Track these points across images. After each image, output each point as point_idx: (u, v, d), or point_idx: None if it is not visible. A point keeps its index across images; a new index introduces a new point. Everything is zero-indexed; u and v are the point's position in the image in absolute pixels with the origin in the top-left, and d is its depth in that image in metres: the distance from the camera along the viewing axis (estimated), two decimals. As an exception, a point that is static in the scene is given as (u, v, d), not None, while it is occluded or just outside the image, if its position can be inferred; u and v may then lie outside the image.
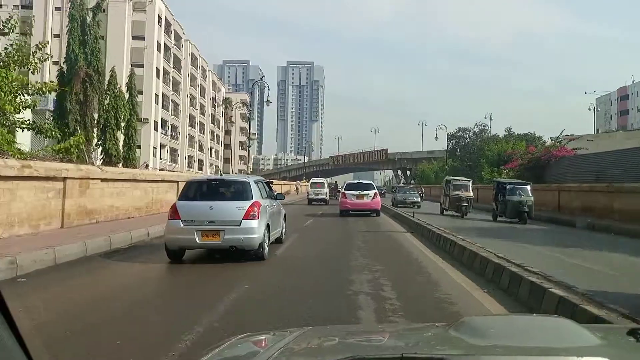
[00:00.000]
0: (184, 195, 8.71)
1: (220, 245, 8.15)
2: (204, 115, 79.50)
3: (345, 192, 20.61)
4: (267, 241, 8.71)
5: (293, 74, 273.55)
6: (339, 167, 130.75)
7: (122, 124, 37.36)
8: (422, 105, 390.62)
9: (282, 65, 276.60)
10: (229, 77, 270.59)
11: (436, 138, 49.94)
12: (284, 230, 10.95)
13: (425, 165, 67.91)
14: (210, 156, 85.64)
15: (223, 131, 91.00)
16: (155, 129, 56.37)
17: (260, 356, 1.28)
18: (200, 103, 77.26)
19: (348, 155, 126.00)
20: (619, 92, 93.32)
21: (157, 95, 56.25)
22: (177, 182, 18.44)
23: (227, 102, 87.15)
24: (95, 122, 35.53)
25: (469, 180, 23.01)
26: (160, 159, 59.45)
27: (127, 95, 38.45)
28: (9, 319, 0.96)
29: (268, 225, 8.79)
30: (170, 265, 8.16)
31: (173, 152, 65.19)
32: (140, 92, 54.19)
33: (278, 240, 10.33)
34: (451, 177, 24.22)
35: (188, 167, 71.11)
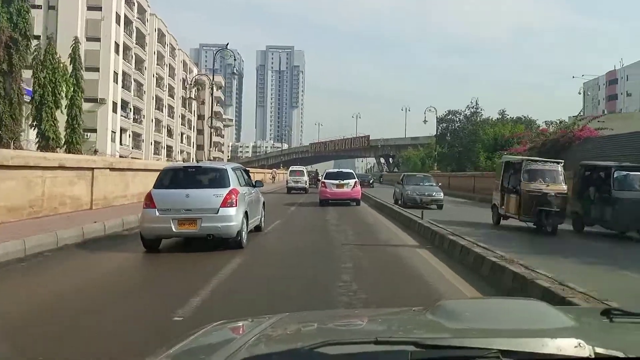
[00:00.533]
0: (160, 183, 8.35)
1: (197, 233, 7.95)
2: (173, 98, 73.52)
3: (325, 181, 19.94)
4: (245, 229, 8.51)
5: (272, 58, 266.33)
6: (319, 154, 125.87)
7: (63, 102, 31.72)
8: (406, 95, 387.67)
9: (262, 50, 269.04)
10: (205, 61, 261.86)
11: (425, 121, 45.47)
12: (262, 218, 10.67)
13: (410, 152, 63.59)
14: (182, 142, 79.79)
15: (195, 116, 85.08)
16: (114, 110, 50.50)
17: (236, 342, 1.29)
18: (168, 84, 71.23)
19: (329, 142, 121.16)
20: (608, 76, 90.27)
21: (116, 73, 50.30)
22: (93, 169, 13.35)
23: (199, 83, 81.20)
24: (30, 99, 29.89)
25: (558, 163, 12.04)
26: (121, 144, 53.67)
27: (70, 69, 32.71)
28: None
29: (246, 213, 8.56)
30: (147, 255, 7.90)
31: (137, 137, 59.31)
32: (96, 69, 48.39)
33: (257, 228, 10.11)
34: (523, 158, 13.07)
35: (154, 153, 65.35)
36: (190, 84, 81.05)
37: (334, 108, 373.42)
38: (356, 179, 20.06)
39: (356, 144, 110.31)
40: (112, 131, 49.79)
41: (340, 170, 21.39)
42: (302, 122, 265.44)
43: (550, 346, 1.03)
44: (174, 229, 7.82)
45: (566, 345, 1.02)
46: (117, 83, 50.61)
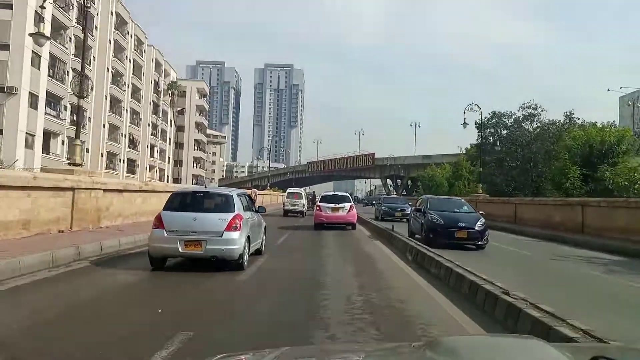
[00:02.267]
0: (169, 206, 8.58)
1: (202, 255, 8.13)
2: (138, 102, 59.28)
3: (320, 204, 18.93)
4: (247, 252, 8.71)
5: (271, 77, 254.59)
6: (317, 174, 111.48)
7: None
8: (409, 113, 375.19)
9: (260, 68, 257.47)
10: (202, 77, 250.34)
11: (464, 124, 31.01)
12: (263, 242, 10.78)
13: (433, 170, 48.76)
14: (152, 156, 65.14)
15: (173, 127, 70.68)
16: (33, 105, 36.09)
17: None
18: (132, 84, 57.09)
19: (328, 160, 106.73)
20: (652, 88, 76.22)
21: (38, 55, 36.09)
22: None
23: (174, 87, 67.10)
24: None
25: None
26: (49, 153, 39.11)
27: None
28: None
29: (249, 237, 8.78)
30: (154, 273, 8.06)
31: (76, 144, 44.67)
32: (5, 46, 34.26)
33: (258, 252, 10.19)
34: None
35: (107, 168, 50.76)
36: (166, 88, 67.15)
37: (335, 128, 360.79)
38: (352, 202, 19.19)
39: (359, 163, 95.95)
40: (26, 133, 35.26)
41: (335, 193, 20.79)
42: (300, 142, 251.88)
43: None
44: (180, 250, 8.04)
45: None
46: (38, 68, 36.35)
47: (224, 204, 8.55)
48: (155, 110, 65.61)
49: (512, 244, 15.44)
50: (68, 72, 42.03)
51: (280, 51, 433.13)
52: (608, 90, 68.23)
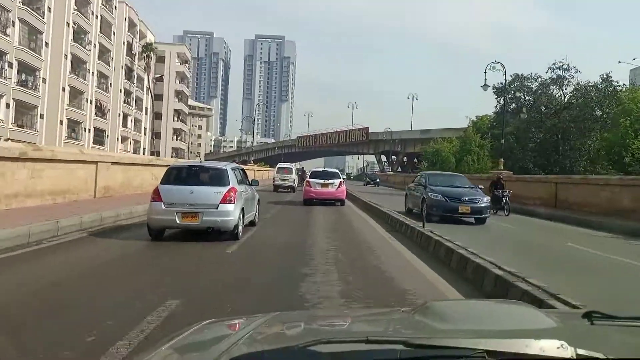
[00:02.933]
0: (166, 180, 8.81)
1: (199, 226, 8.41)
2: (108, 65, 52.74)
3: (310, 180, 19.02)
4: (241, 223, 8.96)
5: (262, 48, 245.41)
6: (308, 149, 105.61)
7: None
8: (405, 87, 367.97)
9: (250, 39, 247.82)
10: (190, 49, 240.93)
11: (485, 86, 25.46)
12: (257, 214, 11.04)
13: (438, 144, 43.24)
14: (125, 126, 58.92)
15: (150, 94, 64.27)
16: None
17: (228, 340, 1.29)
18: (100, 44, 50.48)
19: (319, 135, 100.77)
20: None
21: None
22: None
23: (150, 49, 60.48)
24: None
25: None
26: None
27: None
28: None
29: (243, 209, 9.07)
30: (152, 243, 8.27)
31: (24, 108, 38.42)
32: None
33: (251, 223, 10.44)
34: None
35: (69, 137, 44.66)
36: (140, 51, 60.51)
37: (327, 105, 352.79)
38: (341, 179, 19.27)
39: (352, 138, 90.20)
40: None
41: (325, 169, 20.65)
42: (291, 116, 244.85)
43: (534, 347, 1.06)
44: (177, 221, 8.28)
45: (549, 346, 1.05)
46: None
47: (219, 178, 8.87)
48: (129, 76, 58.99)
49: (594, 243, 10.21)
50: (14, 22, 35.54)
51: (271, 24, 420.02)
52: (619, 62, 63.15)
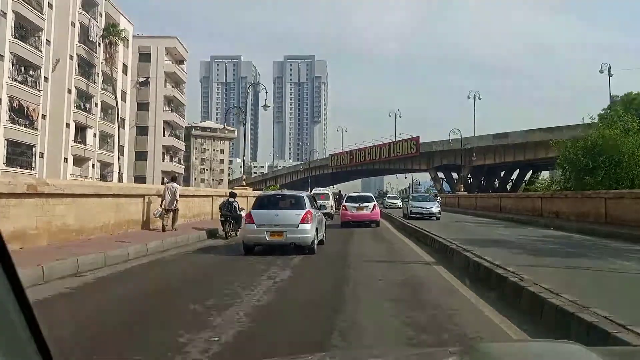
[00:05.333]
0: (257, 206, 11.14)
1: (284, 242, 10.34)
2: (38, 50, 35.07)
3: (346, 204, 20.20)
4: (316, 240, 10.80)
5: (291, 69, 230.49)
6: (343, 169, 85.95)
7: None
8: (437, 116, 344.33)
9: (279, 60, 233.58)
10: (217, 75, 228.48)
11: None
12: (325, 234, 12.61)
13: (601, 130, 21.81)
14: (80, 142, 40.94)
15: (126, 100, 46.29)
16: None
17: None
18: (15, 12, 32.95)
19: (356, 151, 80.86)
20: None
21: None
22: None
23: (113, 33, 42.76)
24: None
25: None
26: None
27: None
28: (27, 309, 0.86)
29: (317, 228, 10.96)
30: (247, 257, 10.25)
31: None
32: None
33: (320, 242, 11.74)
34: None
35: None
36: (100, 34, 42.95)
37: (362, 129, 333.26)
38: (375, 202, 20.36)
39: (398, 152, 69.96)
40: None
41: (360, 194, 22.64)
42: (325, 139, 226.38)
43: None
44: (267, 238, 10.32)
45: None
46: None
47: (298, 203, 10.99)
48: (86, 71, 41.35)
49: None
50: None
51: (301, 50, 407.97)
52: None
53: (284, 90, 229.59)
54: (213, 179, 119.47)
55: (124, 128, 47.65)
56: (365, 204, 19.55)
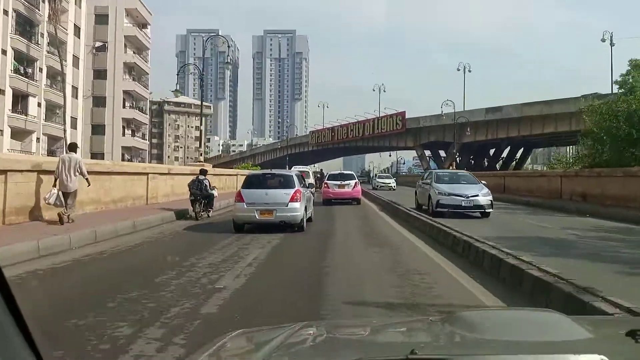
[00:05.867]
0: (247, 185, 11.02)
1: (273, 220, 10.25)
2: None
3: (328, 182, 20.34)
4: (305, 218, 10.80)
5: (271, 44, 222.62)
6: (324, 146, 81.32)
7: None
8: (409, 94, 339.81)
9: (259, 35, 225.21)
10: (194, 49, 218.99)
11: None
12: (312, 211, 12.52)
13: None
14: (21, 112, 35.36)
15: (79, 65, 40.56)
16: None
17: (258, 353, 1.29)
18: None
19: (338, 127, 76.20)
20: None
21: None
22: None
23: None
24: None
25: None
26: None
27: None
28: (14, 310, 0.84)
29: (305, 207, 10.93)
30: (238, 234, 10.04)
31: None
32: None
33: (308, 220, 11.63)
34: None
35: None
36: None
37: (345, 108, 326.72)
38: (356, 180, 20.36)
39: (382, 128, 65.83)
40: None
41: (341, 172, 23.38)
42: (306, 117, 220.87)
43: None
44: (257, 217, 10.25)
45: None
46: None
47: (287, 182, 10.94)
48: (27, 30, 35.54)
49: None
50: None
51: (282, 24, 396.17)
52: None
53: (263, 66, 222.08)
54: (188, 157, 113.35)
55: (77, 98, 42.02)
56: (346, 182, 19.79)
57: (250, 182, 11.10)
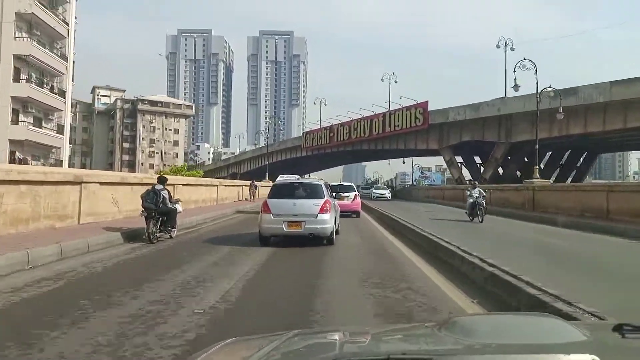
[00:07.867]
0: (273, 195, 10.27)
1: (302, 233, 9.61)
2: None
3: None
4: (334, 230, 10.29)
5: (267, 46, 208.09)
6: (320, 150, 65.36)
7: None
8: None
9: (254, 36, 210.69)
10: (185, 50, 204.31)
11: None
12: (339, 224, 12.03)
13: None
14: None
15: None
16: None
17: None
18: None
19: (338, 126, 60.25)
20: None
21: None
22: None
23: None
24: None
25: None
26: None
27: None
28: None
29: (335, 218, 10.54)
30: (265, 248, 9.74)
31: None
32: None
33: (336, 232, 11.23)
34: None
35: None
36: None
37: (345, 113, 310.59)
38: (356, 192, 20.25)
39: (397, 125, 50.01)
40: None
41: (341, 183, 22.66)
42: (304, 123, 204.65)
43: None
44: (284, 229, 9.58)
45: None
46: None
47: (316, 192, 10.23)
48: None
49: None
50: None
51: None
52: None
53: (259, 68, 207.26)
54: (165, 164, 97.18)
55: None
56: (346, 194, 19.34)
57: (277, 192, 10.54)
